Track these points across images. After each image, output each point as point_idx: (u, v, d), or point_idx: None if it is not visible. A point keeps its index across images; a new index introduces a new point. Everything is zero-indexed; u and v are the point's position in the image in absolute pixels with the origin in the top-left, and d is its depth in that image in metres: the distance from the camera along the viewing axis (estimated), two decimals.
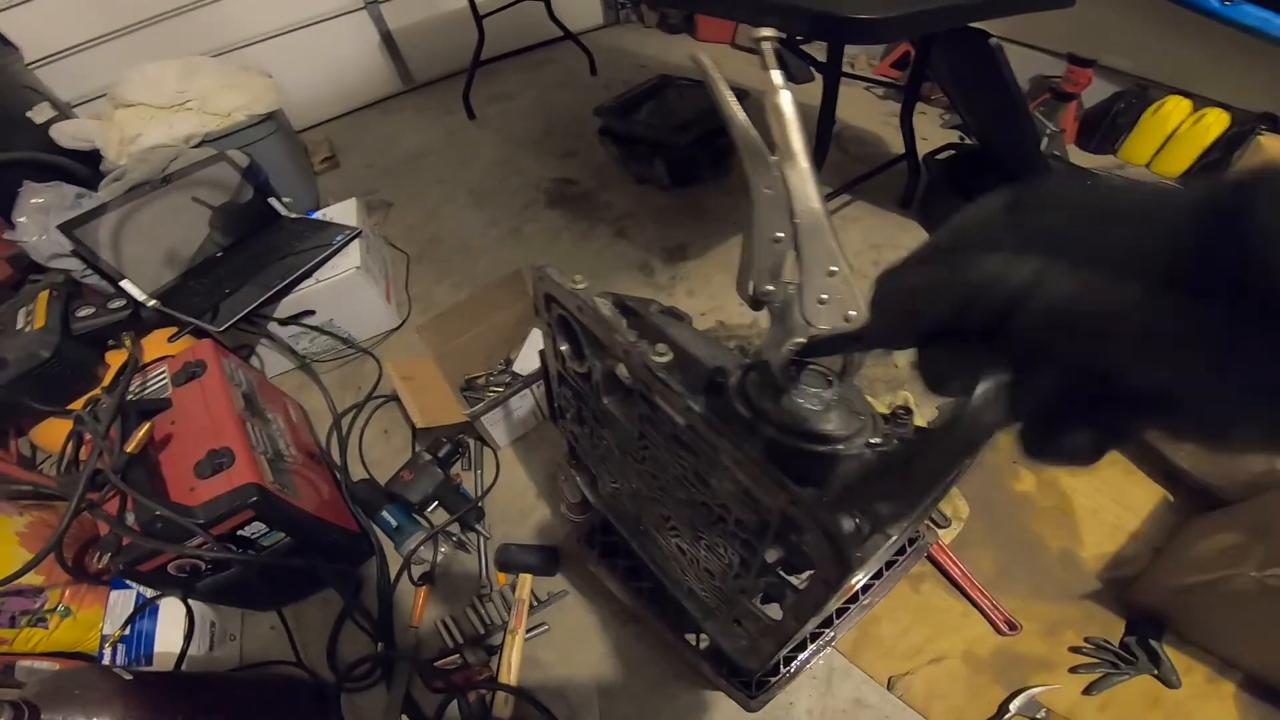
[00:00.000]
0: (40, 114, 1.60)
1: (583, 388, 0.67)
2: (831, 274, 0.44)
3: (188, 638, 0.93)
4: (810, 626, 0.63)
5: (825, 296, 0.44)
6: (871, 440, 0.49)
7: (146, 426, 0.85)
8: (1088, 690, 0.90)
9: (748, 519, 0.51)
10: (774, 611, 0.59)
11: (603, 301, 0.54)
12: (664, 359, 0.48)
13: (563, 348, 0.65)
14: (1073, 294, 0.20)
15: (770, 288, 0.45)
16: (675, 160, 1.82)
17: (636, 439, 0.61)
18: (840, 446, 0.46)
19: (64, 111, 1.72)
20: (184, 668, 0.92)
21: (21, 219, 1.31)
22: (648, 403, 0.54)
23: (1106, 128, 1.92)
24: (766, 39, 0.42)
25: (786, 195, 0.43)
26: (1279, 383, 0.17)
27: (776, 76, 0.41)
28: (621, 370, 0.55)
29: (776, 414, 0.47)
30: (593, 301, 0.53)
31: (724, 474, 0.49)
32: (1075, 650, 0.95)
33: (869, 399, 0.55)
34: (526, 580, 1.03)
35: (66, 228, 1.22)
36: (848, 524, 0.42)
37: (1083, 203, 0.22)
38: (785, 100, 0.41)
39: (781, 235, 0.44)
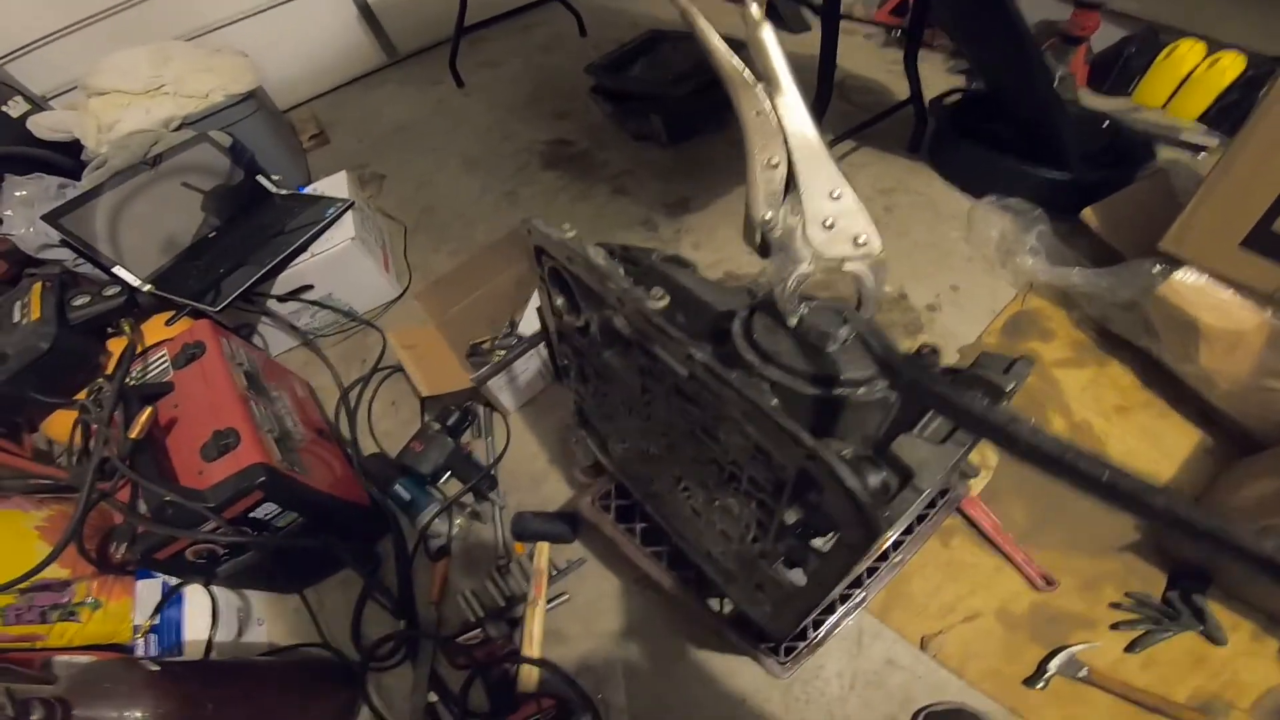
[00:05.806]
0: (15, 108, 1.58)
1: (581, 343, 0.64)
2: (836, 198, 0.40)
3: (213, 624, 0.92)
4: (838, 590, 0.59)
5: (830, 221, 0.40)
6: None
7: (149, 411, 0.84)
8: (1130, 648, 0.87)
9: (761, 477, 0.47)
10: (798, 576, 0.56)
11: (595, 250, 0.50)
12: (660, 304, 0.44)
13: (558, 301, 0.61)
14: None
15: (770, 215, 0.41)
16: (672, 114, 1.75)
17: (640, 394, 0.57)
18: (860, 390, 0.42)
19: (39, 104, 1.69)
20: (214, 654, 0.92)
21: (7, 212, 1.29)
22: (646, 353, 0.50)
23: (1119, 71, 1.83)
24: None
25: (778, 122, 0.41)
26: None
27: (755, 10, 0.42)
28: (619, 321, 0.51)
29: (787, 357, 0.43)
30: (582, 250, 0.49)
31: (732, 427, 0.45)
32: (1115, 606, 0.90)
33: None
34: (544, 549, 1.01)
35: (51, 217, 1.19)
36: (874, 479, 0.39)
37: None
38: (766, 32, 0.41)
39: (778, 160, 0.41)
